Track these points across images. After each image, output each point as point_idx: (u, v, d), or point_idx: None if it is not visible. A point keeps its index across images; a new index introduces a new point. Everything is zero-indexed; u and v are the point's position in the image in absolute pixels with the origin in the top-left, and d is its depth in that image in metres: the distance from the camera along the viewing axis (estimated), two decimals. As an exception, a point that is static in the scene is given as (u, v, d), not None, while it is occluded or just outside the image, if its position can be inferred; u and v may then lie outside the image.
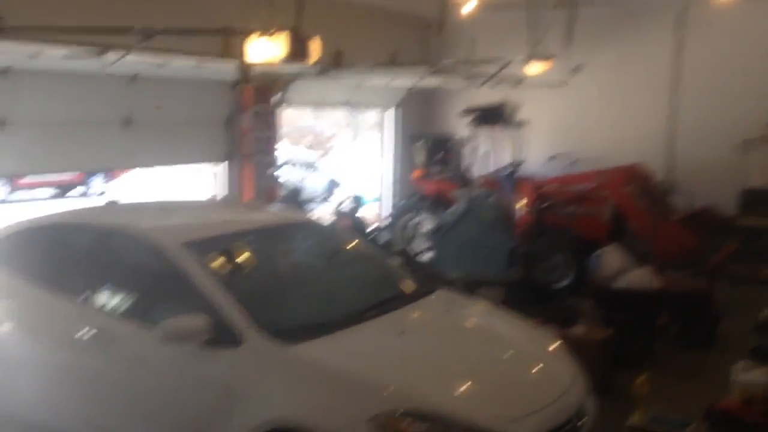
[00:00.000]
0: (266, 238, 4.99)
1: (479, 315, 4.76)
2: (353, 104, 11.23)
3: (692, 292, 6.82)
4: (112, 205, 5.51)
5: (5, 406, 4.74)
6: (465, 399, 3.61)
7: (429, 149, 11.25)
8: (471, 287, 6.16)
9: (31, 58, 5.16)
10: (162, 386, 4.05)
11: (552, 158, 10.85)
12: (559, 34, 9.43)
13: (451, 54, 8.39)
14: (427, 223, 9.61)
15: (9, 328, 4.74)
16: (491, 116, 11.46)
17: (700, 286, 7.02)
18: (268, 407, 3.58)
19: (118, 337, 4.20)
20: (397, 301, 4.48)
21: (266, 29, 4.88)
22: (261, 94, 8.95)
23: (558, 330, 5.71)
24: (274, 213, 5.74)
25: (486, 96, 10.96)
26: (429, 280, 5.30)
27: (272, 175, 8.66)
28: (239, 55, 7.30)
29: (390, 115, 12.19)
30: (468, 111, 11.63)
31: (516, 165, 10.36)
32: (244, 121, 8.86)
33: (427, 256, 7.77)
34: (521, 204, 9.16)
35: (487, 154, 11.70)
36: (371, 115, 12.71)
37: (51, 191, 18.75)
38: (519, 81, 9.96)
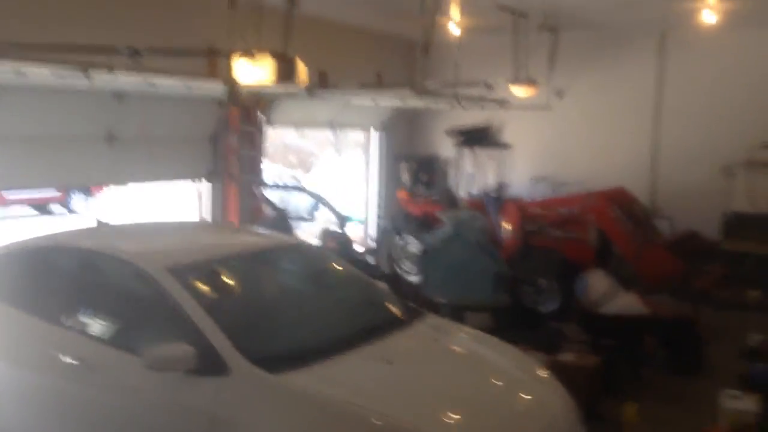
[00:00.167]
0: (253, 262, 4.91)
1: (467, 342, 4.70)
2: (338, 124, 11.20)
3: (679, 317, 6.82)
4: (99, 226, 5.39)
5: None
6: (454, 429, 3.54)
7: (414, 170, 11.24)
8: (458, 312, 6.11)
9: (16, 75, 5.08)
10: (147, 414, 3.93)
11: (536, 180, 10.87)
12: (543, 58, 9.51)
13: (436, 76, 8.39)
14: (412, 244, 9.56)
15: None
16: (476, 137, 11.53)
17: (687, 311, 7.03)
18: (254, 438, 3.48)
19: (102, 363, 4.11)
20: (385, 328, 4.41)
21: (253, 51, 4.84)
22: (246, 113, 8.89)
23: (545, 356, 5.68)
24: (261, 236, 5.66)
25: (471, 117, 11.02)
26: (416, 305, 5.24)
27: (257, 195, 8.58)
28: (226, 75, 7.35)
29: (375, 135, 12.17)
30: (453, 132, 11.69)
31: (501, 187, 10.39)
32: (229, 140, 8.79)
33: (413, 279, 7.72)
34: (507, 226, 9.16)
35: (471, 176, 11.73)
36: (355, 135, 12.69)
37: (30, 210, 18.52)
38: (504, 103, 10.01)
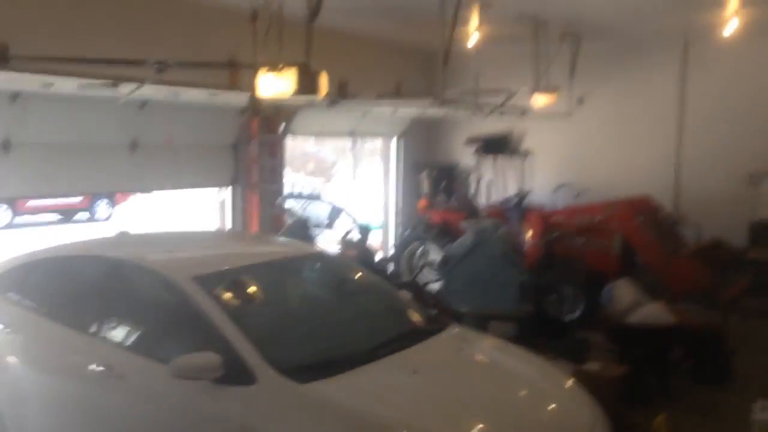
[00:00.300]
0: (277, 271, 4.93)
1: (493, 352, 4.67)
2: (357, 133, 11.24)
3: (706, 327, 6.73)
4: (123, 235, 5.45)
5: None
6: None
7: (434, 178, 11.23)
8: (481, 322, 6.08)
9: (44, 87, 5.16)
10: (172, 423, 3.95)
11: (558, 188, 10.81)
12: (564, 67, 9.47)
13: (456, 85, 8.39)
14: (433, 253, 9.54)
15: (19, 361, 4.67)
16: (496, 146, 11.50)
17: (714, 321, 6.93)
18: (281, 448, 3.48)
19: (128, 371, 4.13)
20: (409, 337, 4.39)
21: (275, 64, 4.88)
22: (267, 123, 8.95)
23: (571, 366, 5.63)
24: (284, 245, 5.68)
25: (491, 125, 11.00)
26: (440, 315, 5.23)
27: (278, 204, 8.62)
28: (247, 86, 7.39)
29: (394, 143, 12.18)
30: (472, 140, 11.67)
31: (523, 195, 10.33)
32: (250, 149, 8.84)
33: (435, 289, 7.69)
34: (529, 235, 9.11)
35: (491, 184, 11.69)
36: (373, 143, 12.71)
37: (55, 216, 18.77)
38: (524, 112, 9.98)
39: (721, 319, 7.02)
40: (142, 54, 5.91)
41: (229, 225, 9.11)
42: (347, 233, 8.10)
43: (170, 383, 3.78)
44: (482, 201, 11.47)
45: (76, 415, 4.40)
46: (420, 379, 3.89)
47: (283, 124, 9.29)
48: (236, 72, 7.87)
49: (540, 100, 8.87)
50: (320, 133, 10.86)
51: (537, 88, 8.88)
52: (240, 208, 9.03)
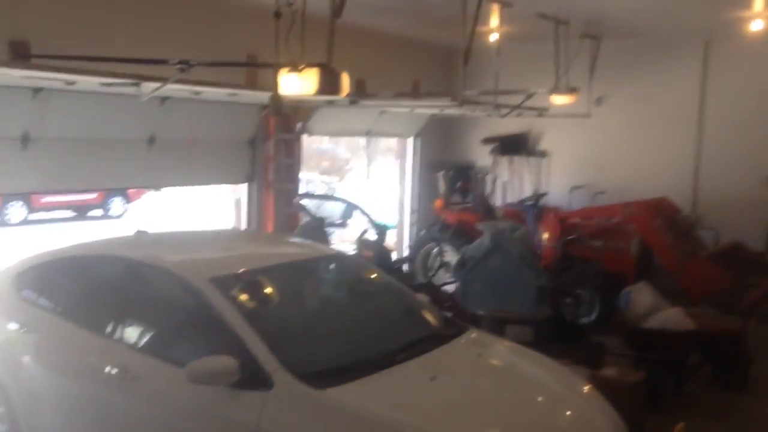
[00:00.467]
0: (294, 273, 4.91)
1: (510, 357, 4.63)
2: (374, 133, 11.19)
3: (725, 331, 6.65)
4: (140, 235, 5.44)
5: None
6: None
7: (450, 178, 11.18)
8: (498, 325, 6.03)
9: (68, 85, 5.16)
10: (187, 427, 3.95)
11: (575, 189, 10.73)
12: (584, 66, 9.38)
13: (475, 83, 8.33)
14: (449, 253, 9.49)
15: (34, 361, 4.68)
16: (513, 145, 11.45)
17: (733, 326, 6.84)
18: (299, 454, 3.46)
19: (143, 374, 4.12)
20: (427, 342, 4.36)
21: (297, 64, 4.85)
22: (284, 122, 8.93)
23: (587, 371, 5.57)
24: (302, 246, 5.66)
25: (508, 125, 10.93)
26: (458, 318, 5.19)
27: (295, 203, 8.60)
28: (266, 84, 7.38)
29: (410, 142, 12.13)
30: (489, 140, 11.62)
31: (539, 196, 10.26)
32: (267, 148, 8.83)
33: (451, 290, 7.65)
34: (545, 236, 9.05)
35: (507, 184, 11.63)
36: (388, 141, 12.67)
37: (69, 213, 18.90)
38: (542, 111, 9.90)
39: (740, 324, 6.93)
40: (161, 51, 5.90)
41: (244, 224, 9.11)
42: (363, 233, 8.06)
43: (186, 386, 3.75)
44: (498, 201, 11.42)
45: (89, 417, 4.40)
46: (438, 385, 3.85)
47: (299, 123, 9.27)
48: (254, 70, 7.87)
49: (559, 100, 8.78)
50: (337, 133, 10.83)
51: (556, 88, 8.79)
52: (256, 207, 9.03)
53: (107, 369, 4.21)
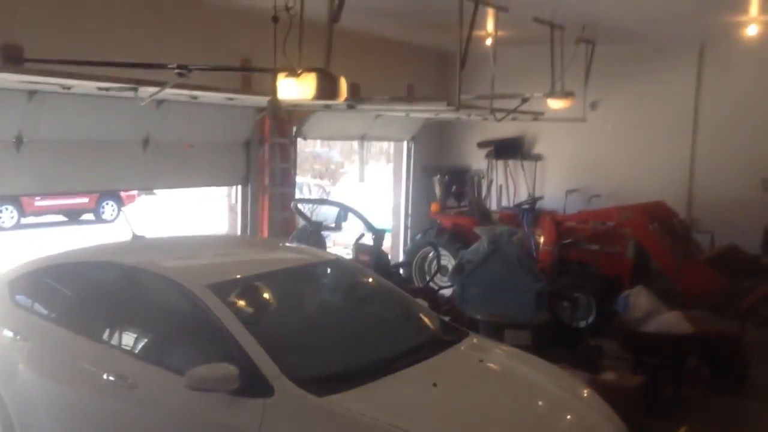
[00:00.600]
0: (293, 278, 4.87)
1: (511, 363, 4.60)
2: (369, 137, 11.16)
3: (724, 335, 6.65)
4: (137, 240, 5.39)
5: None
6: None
7: (445, 182, 11.17)
8: (497, 330, 6.01)
9: (64, 89, 5.10)
10: (186, 434, 3.90)
11: (570, 193, 10.73)
12: (579, 70, 9.39)
13: (470, 87, 8.31)
14: (445, 258, 9.47)
15: (30, 369, 4.62)
16: (508, 149, 11.46)
17: (731, 329, 6.85)
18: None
19: (141, 381, 4.07)
20: (428, 348, 4.33)
21: (294, 68, 4.82)
22: (279, 126, 8.89)
23: (586, 375, 5.57)
24: (300, 251, 5.62)
25: (502, 129, 10.92)
26: (456, 323, 5.17)
27: (293, 207, 8.56)
28: (261, 88, 7.35)
29: (405, 146, 12.10)
30: (484, 144, 11.62)
31: (535, 199, 10.27)
32: (262, 153, 8.79)
33: (448, 295, 7.62)
34: (541, 240, 9.04)
35: (503, 188, 11.63)
36: (381, 144, 12.64)
37: (61, 217, 18.78)
38: (538, 115, 9.90)
39: (738, 328, 6.94)
40: (154, 56, 5.87)
41: (239, 229, 9.05)
42: (360, 237, 8.03)
43: (184, 394, 3.72)
44: (493, 205, 11.42)
45: (86, 425, 4.36)
46: (440, 392, 3.82)
47: (294, 128, 9.23)
48: (249, 74, 7.84)
49: (555, 105, 8.79)
50: (332, 137, 10.78)
51: (552, 92, 8.80)
52: (251, 211, 8.98)
53: (104, 376, 4.16)
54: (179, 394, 3.78)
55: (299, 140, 9.62)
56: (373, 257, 7.40)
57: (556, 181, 11.23)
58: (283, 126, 8.94)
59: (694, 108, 10.30)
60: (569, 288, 8.08)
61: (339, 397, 3.58)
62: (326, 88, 4.79)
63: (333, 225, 8.15)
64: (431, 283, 8.43)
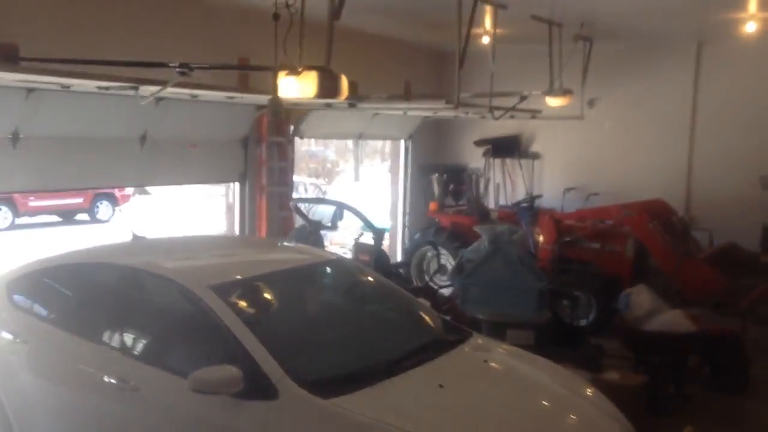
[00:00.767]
0: (296, 279, 4.82)
1: (515, 363, 4.56)
2: (367, 136, 11.11)
3: (725, 333, 6.64)
4: (137, 240, 5.34)
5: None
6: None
7: (443, 181, 11.13)
8: (499, 329, 5.98)
9: (63, 89, 5.05)
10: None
11: (568, 191, 10.72)
12: (576, 67, 9.37)
13: (468, 85, 8.29)
14: (444, 257, 9.43)
15: (30, 372, 4.56)
16: (505, 147, 11.43)
17: (732, 327, 6.84)
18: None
19: (143, 384, 4.02)
20: (433, 348, 4.29)
21: (295, 66, 4.78)
22: (276, 125, 8.83)
23: (589, 374, 5.54)
24: (301, 251, 5.57)
25: (500, 127, 10.90)
26: (460, 323, 5.13)
27: (292, 206, 8.51)
28: (258, 86, 7.30)
29: (402, 145, 12.06)
30: (482, 142, 11.59)
31: (534, 198, 10.25)
32: (260, 153, 8.73)
33: (449, 294, 7.59)
34: (541, 238, 9.02)
35: (500, 187, 11.61)
36: (375, 144, 12.59)
37: (55, 217, 18.66)
38: (536, 113, 9.88)
39: (739, 326, 6.93)
40: (151, 54, 5.81)
41: (237, 228, 9.00)
42: (359, 236, 7.98)
43: (187, 397, 3.66)
44: (491, 204, 11.39)
45: (87, 428, 4.31)
46: (447, 393, 3.79)
47: (291, 127, 9.18)
48: (246, 72, 7.78)
49: (553, 102, 8.77)
50: (329, 135, 10.73)
51: (550, 90, 8.78)
52: (248, 210, 8.93)
53: (105, 379, 4.11)
54: (182, 397, 3.74)
55: (296, 139, 9.57)
56: (372, 256, 7.37)
57: (553, 179, 11.21)
58: (280, 125, 8.89)
59: (692, 105, 10.30)
60: (569, 286, 8.05)
61: (344, 399, 3.54)
62: (327, 87, 4.75)
63: (329, 224, 8.09)
64: (430, 282, 8.40)
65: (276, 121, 8.25)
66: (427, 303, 5.14)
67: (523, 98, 8.73)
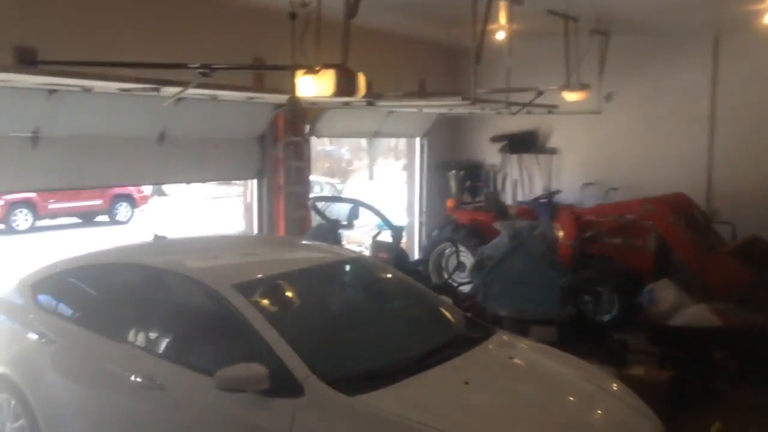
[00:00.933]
0: (318, 277, 4.83)
1: (540, 358, 4.53)
2: (382, 134, 11.09)
3: (751, 327, 6.55)
4: (158, 240, 5.36)
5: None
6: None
7: (460, 177, 11.09)
8: (521, 326, 5.95)
9: (85, 90, 5.08)
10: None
11: (586, 186, 10.64)
12: (593, 62, 9.30)
13: (484, 81, 8.25)
14: (463, 254, 9.39)
15: (55, 371, 4.60)
16: (522, 143, 11.37)
17: (759, 321, 6.74)
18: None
19: (169, 382, 4.04)
20: (456, 345, 4.27)
21: (312, 65, 4.77)
22: (292, 124, 8.85)
23: (615, 370, 5.49)
24: (322, 249, 5.58)
25: (516, 122, 10.85)
26: (483, 320, 5.11)
27: (311, 205, 8.52)
28: (273, 85, 7.30)
29: (417, 143, 12.04)
30: (498, 138, 11.54)
31: (553, 193, 10.18)
32: (276, 153, 8.75)
33: (469, 290, 7.56)
34: (561, 234, 8.95)
35: (518, 182, 11.56)
36: (389, 142, 12.58)
37: (75, 219, 18.84)
38: (553, 109, 9.81)
39: (765, 319, 6.83)
40: (168, 55, 5.83)
41: (255, 228, 9.03)
42: (377, 234, 7.97)
43: (213, 395, 3.68)
44: (508, 200, 11.34)
45: (114, 427, 4.33)
46: (472, 390, 3.77)
47: (307, 126, 9.18)
48: (261, 72, 7.79)
49: (570, 97, 8.70)
50: (345, 134, 10.72)
51: (567, 85, 8.71)
52: (266, 210, 8.95)
53: (132, 378, 4.13)
54: (208, 395, 3.75)
55: (312, 138, 9.57)
56: (391, 254, 7.35)
57: (571, 174, 11.13)
58: (297, 124, 8.90)
59: (711, 97, 10.18)
60: (591, 282, 7.99)
61: (370, 396, 3.53)
62: (345, 85, 4.74)
63: (345, 223, 8.09)
64: (449, 279, 8.37)
65: (294, 120, 8.26)
66: (449, 300, 5.12)
67: (539, 93, 8.66)
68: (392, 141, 12.19)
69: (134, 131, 7.10)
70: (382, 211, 7.78)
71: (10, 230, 16.93)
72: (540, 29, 9.05)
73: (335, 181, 23.06)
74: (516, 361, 4.37)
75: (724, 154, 10.12)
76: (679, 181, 9.81)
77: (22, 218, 17.32)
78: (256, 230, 8.96)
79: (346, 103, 7.86)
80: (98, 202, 18.80)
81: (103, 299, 4.82)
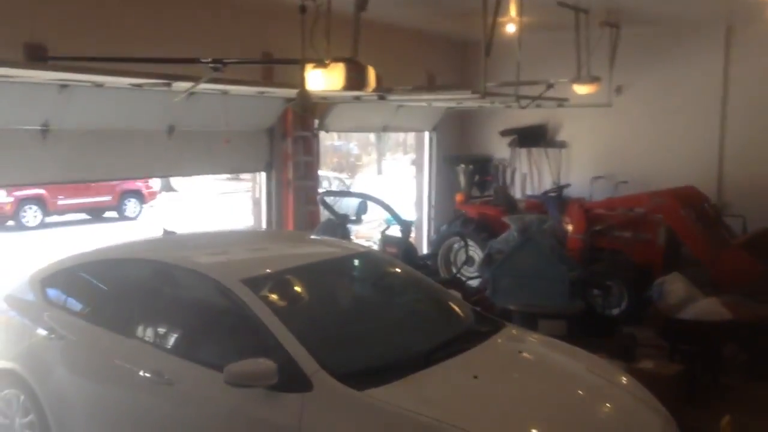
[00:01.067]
0: (327, 272, 4.81)
1: (550, 353, 4.51)
2: (391, 128, 11.06)
3: (763, 321, 6.50)
4: (168, 236, 5.37)
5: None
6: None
7: (470, 172, 11.06)
8: (531, 320, 5.93)
9: (96, 86, 5.08)
10: (225, 430, 3.86)
11: (596, 179, 10.59)
12: (603, 54, 9.23)
13: (494, 74, 8.20)
14: (472, 248, 9.38)
15: (64, 367, 4.61)
16: (531, 137, 11.32)
17: (768, 315, 6.70)
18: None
19: (177, 378, 4.04)
20: (466, 339, 4.26)
21: (322, 59, 4.76)
22: (302, 119, 8.83)
23: (624, 365, 5.46)
24: (331, 244, 5.57)
25: (525, 116, 10.79)
26: (492, 314, 5.09)
27: (320, 200, 8.52)
28: (282, 79, 7.29)
29: (426, 137, 12.01)
30: (507, 132, 11.49)
31: (562, 187, 10.13)
32: (285, 147, 8.74)
33: (477, 285, 7.54)
34: (570, 228, 8.92)
35: (527, 176, 11.51)
36: (397, 137, 12.56)
37: (84, 215, 18.93)
38: (562, 102, 9.76)
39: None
40: (175, 49, 5.82)
41: (264, 223, 9.03)
42: (386, 229, 7.96)
43: (221, 390, 3.68)
44: (517, 194, 11.30)
45: (123, 422, 4.34)
46: (481, 384, 3.76)
47: (316, 121, 9.17)
48: (271, 66, 7.77)
49: (581, 90, 8.64)
50: (354, 129, 10.71)
51: (577, 78, 8.66)
52: (275, 204, 8.95)
53: (141, 373, 4.14)
54: (216, 390, 3.75)
55: (321, 133, 9.56)
56: (400, 249, 7.34)
57: (581, 168, 11.07)
58: (306, 119, 8.88)
59: (723, 90, 10.09)
60: (601, 276, 7.96)
61: (379, 390, 3.53)
62: (355, 79, 4.72)
63: (354, 217, 8.09)
64: (457, 274, 8.35)
65: (304, 114, 8.24)
66: (458, 294, 5.11)
67: (549, 86, 8.61)
68: (401, 135, 12.14)
69: (144, 124, 7.11)
70: (391, 206, 7.75)
71: (20, 226, 17.03)
72: (550, 22, 8.99)
73: (344, 176, 23.07)
74: (525, 355, 4.36)
75: (734, 147, 10.04)
76: (689, 173, 9.74)
77: (32, 215, 17.41)
78: (264, 225, 8.97)
79: (357, 98, 7.83)
80: (107, 198, 18.88)
81: (112, 295, 4.83)
